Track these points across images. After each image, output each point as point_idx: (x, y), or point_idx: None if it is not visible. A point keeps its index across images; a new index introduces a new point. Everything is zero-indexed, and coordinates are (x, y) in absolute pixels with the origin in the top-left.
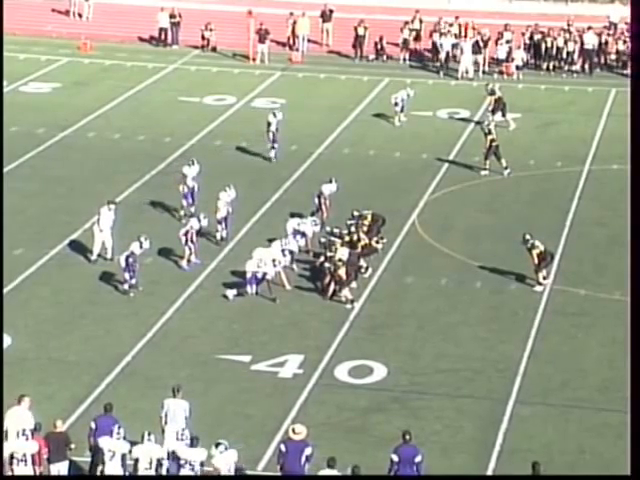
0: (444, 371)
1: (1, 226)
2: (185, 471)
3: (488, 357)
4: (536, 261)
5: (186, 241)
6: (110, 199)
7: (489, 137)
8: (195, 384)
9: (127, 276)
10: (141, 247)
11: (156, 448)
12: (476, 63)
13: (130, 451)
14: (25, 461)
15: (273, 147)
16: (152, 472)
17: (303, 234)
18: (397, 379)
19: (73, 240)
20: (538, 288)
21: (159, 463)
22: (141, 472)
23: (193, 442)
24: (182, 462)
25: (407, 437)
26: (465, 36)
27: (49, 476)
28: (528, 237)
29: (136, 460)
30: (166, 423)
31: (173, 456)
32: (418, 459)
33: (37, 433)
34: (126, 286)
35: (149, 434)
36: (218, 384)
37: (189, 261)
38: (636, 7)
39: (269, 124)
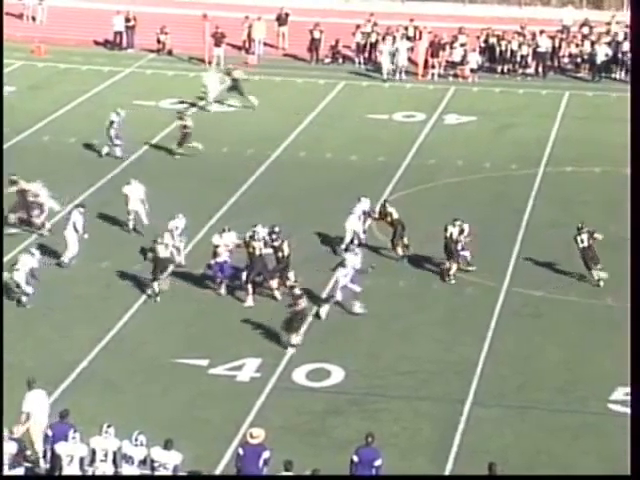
0: (402, 373)
1: (1, 226)
2: (159, 474)
3: (446, 359)
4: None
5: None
6: (80, 203)
7: (182, 122)
8: (152, 388)
9: (28, 289)
10: (33, 256)
11: (113, 442)
12: (432, 66)
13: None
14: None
15: (116, 144)
16: (109, 464)
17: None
18: (355, 382)
19: (28, 244)
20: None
21: (114, 456)
22: (97, 464)
23: (167, 445)
24: (156, 465)
25: (369, 439)
26: (420, 39)
27: (52, 475)
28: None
29: (93, 451)
30: (29, 419)
31: (147, 459)
32: (378, 463)
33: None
34: (24, 298)
35: (108, 426)
36: (175, 388)
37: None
38: (636, 7)
39: (112, 122)
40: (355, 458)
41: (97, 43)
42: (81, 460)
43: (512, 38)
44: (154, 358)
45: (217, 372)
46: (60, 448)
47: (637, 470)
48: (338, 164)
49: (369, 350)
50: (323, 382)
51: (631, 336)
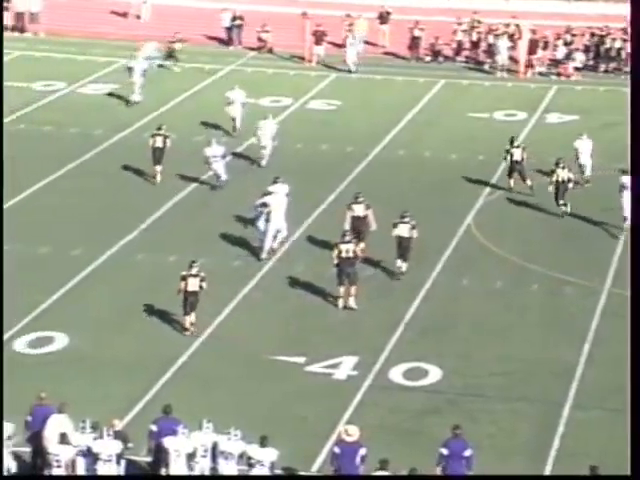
0: (499, 373)
1: (1, 225)
2: (255, 471)
3: (543, 359)
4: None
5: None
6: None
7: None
8: (248, 384)
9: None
10: None
11: (211, 437)
12: (532, 64)
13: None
14: (111, 460)
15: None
16: (208, 460)
17: None
18: (452, 381)
19: (130, 240)
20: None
21: (206, 451)
22: (197, 459)
23: (263, 442)
24: (252, 461)
25: (457, 431)
26: (520, 37)
27: (60, 476)
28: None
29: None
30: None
31: (243, 455)
32: (467, 453)
33: (95, 432)
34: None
35: (208, 422)
36: (272, 384)
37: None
38: (636, 7)
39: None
40: (445, 451)
41: (210, 38)
42: (188, 456)
43: (617, 36)
44: (252, 354)
45: (314, 370)
46: (168, 442)
47: (637, 470)
48: (437, 163)
49: (466, 350)
50: (420, 381)
51: (631, 336)
